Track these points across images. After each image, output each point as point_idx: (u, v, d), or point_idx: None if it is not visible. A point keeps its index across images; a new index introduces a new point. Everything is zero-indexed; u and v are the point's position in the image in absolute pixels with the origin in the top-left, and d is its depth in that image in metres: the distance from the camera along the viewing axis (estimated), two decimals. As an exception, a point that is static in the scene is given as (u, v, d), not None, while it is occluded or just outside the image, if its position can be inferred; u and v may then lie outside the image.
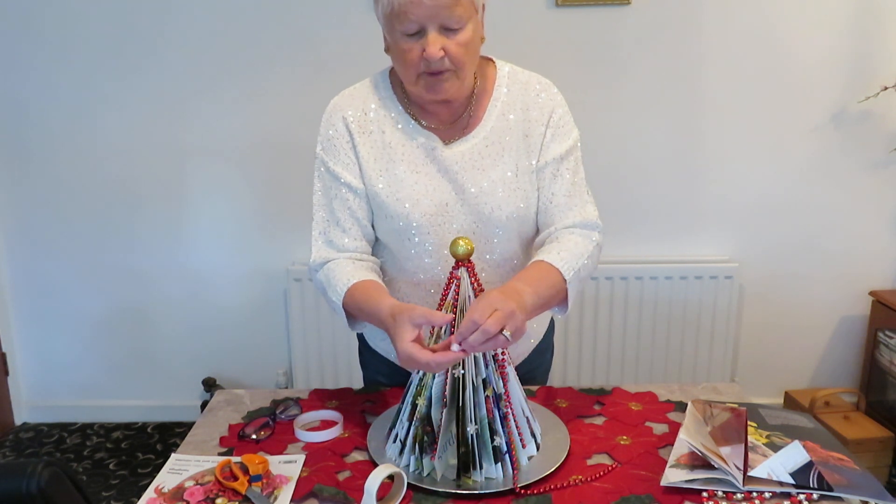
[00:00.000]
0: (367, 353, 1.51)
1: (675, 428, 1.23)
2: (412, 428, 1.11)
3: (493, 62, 1.33)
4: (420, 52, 1.15)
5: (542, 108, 1.29)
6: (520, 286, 1.13)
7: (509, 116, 1.28)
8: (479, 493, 1.06)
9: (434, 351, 1.04)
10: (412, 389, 1.13)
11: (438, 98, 1.22)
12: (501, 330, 1.00)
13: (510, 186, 1.26)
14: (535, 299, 1.13)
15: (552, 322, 1.53)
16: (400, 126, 1.28)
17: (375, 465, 1.10)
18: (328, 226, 1.30)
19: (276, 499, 1.06)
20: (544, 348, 1.51)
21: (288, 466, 1.15)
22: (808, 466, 1.06)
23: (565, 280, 1.19)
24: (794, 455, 1.07)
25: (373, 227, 1.33)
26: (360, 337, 1.52)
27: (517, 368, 1.38)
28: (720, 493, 1.04)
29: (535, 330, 1.45)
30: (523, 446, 1.12)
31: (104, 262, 2.80)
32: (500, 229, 1.28)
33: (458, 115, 1.28)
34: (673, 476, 1.07)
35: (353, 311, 1.23)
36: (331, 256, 1.29)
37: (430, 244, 1.27)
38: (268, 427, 1.27)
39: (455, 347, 1.01)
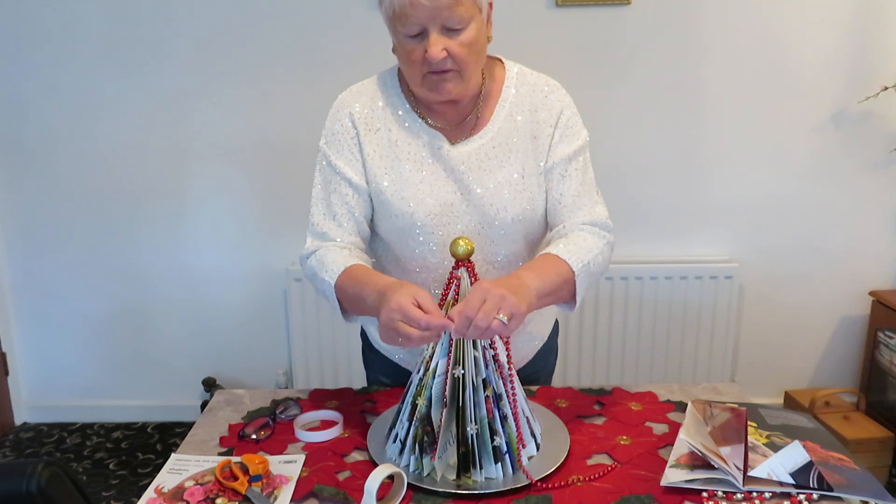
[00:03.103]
0: (370, 354, 1.51)
1: (675, 428, 1.23)
2: (412, 428, 1.11)
3: (502, 62, 1.32)
4: (422, 53, 1.15)
5: (550, 108, 1.28)
6: (521, 272, 1.13)
7: (517, 118, 1.28)
8: (479, 493, 1.06)
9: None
10: (412, 389, 1.13)
11: (442, 99, 1.22)
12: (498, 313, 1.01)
13: (516, 188, 1.26)
14: (540, 284, 1.12)
15: (556, 324, 1.52)
16: (407, 124, 1.27)
17: (375, 465, 1.10)
18: (324, 219, 1.29)
19: (276, 499, 1.06)
20: (548, 350, 1.50)
21: (288, 466, 1.14)
22: (808, 466, 1.06)
23: (573, 271, 1.18)
24: (794, 455, 1.07)
25: (371, 226, 1.33)
26: (364, 337, 1.51)
27: (521, 371, 1.38)
28: (720, 493, 1.04)
29: (540, 332, 1.45)
30: (523, 446, 1.12)
31: (104, 263, 2.80)
32: (505, 231, 1.27)
33: (466, 115, 1.28)
34: (673, 476, 1.07)
35: (347, 291, 1.19)
36: (322, 246, 1.28)
37: (434, 244, 1.27)
38: (268, 427, 1.27)
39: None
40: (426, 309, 1.02)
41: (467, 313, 1.00)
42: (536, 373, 1.47)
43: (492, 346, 1.09)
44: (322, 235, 1.29)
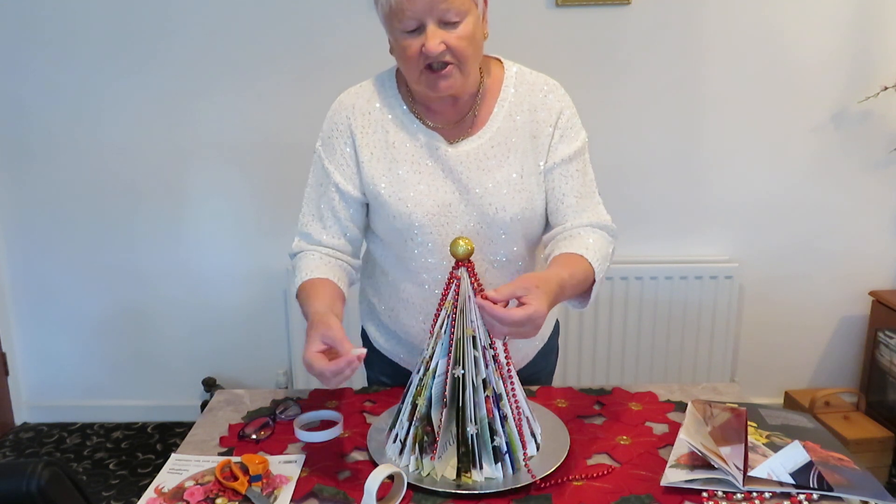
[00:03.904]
0: (370, 354, 1.50)
1: (675, 428, 1.23)
2: (412, 428, 1.11)
3: (501, 62, 1.32)
4: (420, 48, 1.15)
5: (549, 108, 1.28)
6: (564, 279, 1.13)
7: (516, 117, 1.28)
8: (479, 493, 1.06)
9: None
10: (412, 389, 1.13)
11: (441, 94, 1.21)
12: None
13: (515, 188, 1.26)
14: (572, 295, 1.18)
15: (557, 324, 1.52)
16: (404, 125, 1.27)
17: (375, 465, 1.10)
18: (311, 220, 1.32)
19: (276, 499, 1.06)
20: (548, 351, 1.50)
21: (288, 466, 1.15)
22: (808, 466, 1.06)
23: (594, 280, 1.20)
24: (794, 455, 1.07)
25: (370, 227, 1.34)
26: (364, 337, 1.51)
27: (521, 371, 1.38)
28: (720, 493, 1.04)
29: (540, 332, 1.44)
30: (523, 446, 1.12)
31: (104, 262, 2.80)
32: (503, 230, 1.27)
33: (464, 114, 1.28)
34: (673, 476, 1.07)
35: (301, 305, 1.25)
36: (305, 248, 1.32)
37: (433, 244, 1.27)
38: (268, 427, 1.27)
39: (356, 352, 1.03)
40: (334, 345, 1.05)
41: (501, 317, 1.01)
42: (537, 373, 1.47)
43: (492, 346, 1.09)
44: (307, 236, 1.33)
